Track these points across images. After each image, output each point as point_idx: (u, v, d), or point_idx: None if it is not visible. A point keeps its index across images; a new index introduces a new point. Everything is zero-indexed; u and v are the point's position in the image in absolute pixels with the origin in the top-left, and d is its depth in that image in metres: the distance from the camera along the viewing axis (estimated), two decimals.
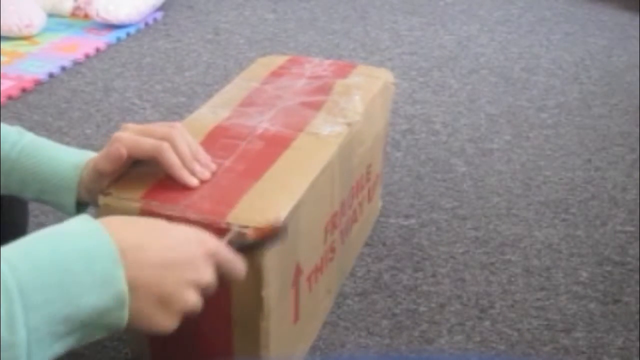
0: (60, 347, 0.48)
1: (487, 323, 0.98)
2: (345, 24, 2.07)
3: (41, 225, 1.16)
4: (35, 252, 0.49)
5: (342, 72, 1.03)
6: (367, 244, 1.13)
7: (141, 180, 0.73)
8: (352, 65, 1.06)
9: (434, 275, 1.07)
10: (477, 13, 2.19)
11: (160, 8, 2.11)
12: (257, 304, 0.72)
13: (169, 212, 0.70)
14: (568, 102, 1.62)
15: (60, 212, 0.76)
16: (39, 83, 1.66)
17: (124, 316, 0.50)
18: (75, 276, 0.48)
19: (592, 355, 0.93)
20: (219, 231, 0.66)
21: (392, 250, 1.12)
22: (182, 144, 0.73)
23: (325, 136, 0.86)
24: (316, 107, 0.92)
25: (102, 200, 0.71)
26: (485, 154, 1.40)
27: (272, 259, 0.70)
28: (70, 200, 0.75)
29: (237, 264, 0.60)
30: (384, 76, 1.05)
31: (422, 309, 1.00)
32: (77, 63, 1.78)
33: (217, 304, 0.70)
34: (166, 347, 0.80)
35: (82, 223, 0.53)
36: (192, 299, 0.55)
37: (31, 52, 1.82)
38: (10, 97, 1.58)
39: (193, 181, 0.73)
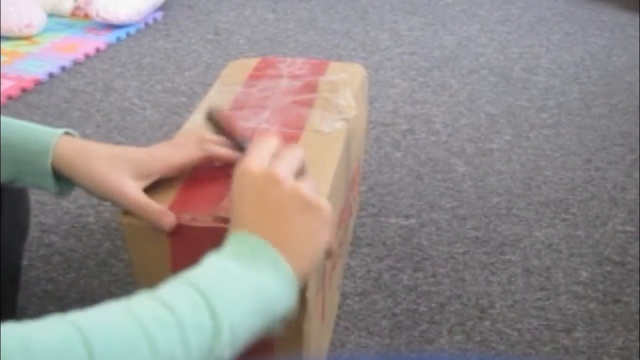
0: (252, 338, 0.53)
1: (487, 323, 0.98)
2: (345, 24, 2.07)
3: (41, 224, 1.16)
4: (208, 269, 0.53)
5: (318, 69, 1.03)
6: (367, 244, 1.13)
7: (161, 194, 0.71)
8: (325, 62, 1.06)
9: (434, 275, 1.07)
10: (477, 13, 2.19)
11: (160, 8, 2.11)
12: (301, 305, 0.70)
13: (200, 224, 0.68)
14: (568, 102, 1.62)
15: (39, 186, 0.71)
16: (39, 83, 1.66)
17: (294, 297, 0.57)
18: (248, 274, 0.53)
19: (592, 355, 0.93)
20: None
21: (392, 250, 1.12)
22: (220, 151, 0.76)
23: (328, 133, 0.86)
24: (308, 104, 0.92)
25: (124, 219, 0.69)
26: (485, 154, 1.40)
27: None
28: (45, 165, 0.68)
29: (294, 152, 0.63)
30: (359, 71, 1.06)
31: (422, 309, 1.00)
32: (77, 63, 1.78)
33: None
34: None
35: (231, 239, 0.57)
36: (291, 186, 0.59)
37: (31, 52, 1.82)
38: (10, 97, 1.58)
39: (246, 134, 0.77)
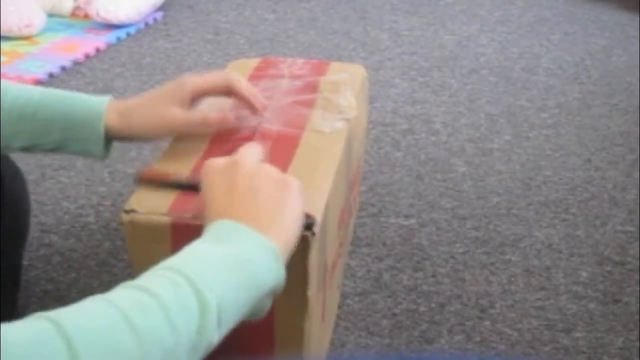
0: (240, 315, 0.53)
1: (487, 323, 0.98)
2: (345, 24, 2.07)
3: (41, 224, 1.16)
4: (187, 253, 0.53)
5: (319, 69, 1.03)
6: (367, 244, 1.13)
7: (161, 193, 0.72)
8: (326, 62, 1.06)
9: (434, 275, 1.07)
10: (477, 13, 2.19)
11: (160, 8, 2.11)
12: (302, 305, 0.71)
13: (201, 222, 0.69)
14: (568, 102, 1.62)
15: (86, 152, 0.78)
16: (39, 83, 1.66)
17: (282, 270, 0.57)
18: (230, 252, 0.54)
19: (592, 355, 0.93)
20: None
21: (392, 250, 1.12)
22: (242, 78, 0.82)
23: (329, 133, 0.86)
24: (309, 104, 0.92)
25: (125, 218, 0.69)
26: (485, 154, 1.40)
27: (314, 258, 0.69)
28: (98, 129, 0.76)
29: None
30: (360, 71, 1.06)
31: (422, 309, 1.00)
32: (77, 63, 1.78)
33: None
34: None
35: (243, 236, 0.57)
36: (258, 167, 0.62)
37: (31, 52, 1.82)
38: None
39: (265, 102, 0.84)
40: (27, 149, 0.79)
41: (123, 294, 0.47)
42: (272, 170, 0.62)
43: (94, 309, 0.45)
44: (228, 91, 0.80)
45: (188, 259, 0.52)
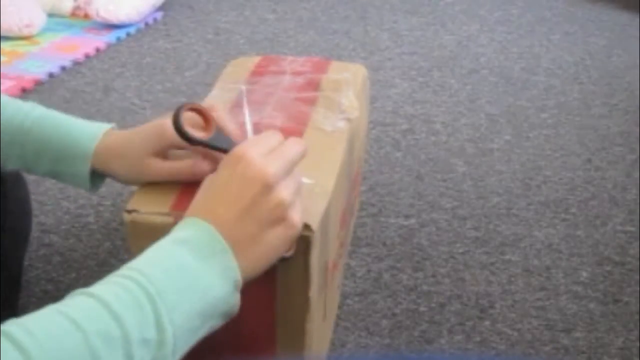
0: (194, 340, 0.53)
1: (487, 323, 0.98)
2: (345, 24, 2.07)
3: (41, 224, 1.16)
4: (162, 261, 0.53)
5: (320, 68, 1.02)
6: (367, 244, 1.13)
7: (163, 192, 0.71)
8: (327, 61, 1.06)
9: (434, 275, 1.07)
10: (477, 13, 2.19)
11: (160, 8, 2.11)
12: (303, 305, 0.71)
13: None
14: (568, 102, 1.62)
15: (73, 184, 0.76)
16: (39, 83, 1.66)
17: (238, 298, 0.57)
18: (200, 275, 0.53)
19: (592, 355, 0.93)
20: None
21: (392, 250, 1.12)
22: (231, 126, 0.75)
23: (331, 132, 0.86)
24: (311, 102, 0.92)
25: (127, 217, 0.69)
26: (485, 154, 1.40)
27: (315, 258, 0.69)
28: (84, 169, 0.74)
29: (295, 149, 0.63)
30: (361, 71, 1.05)
31: (422, 309, 1.00)
32: (77, 63, 1.78)
33: (261, 305, 0.70)
34: (208, 348, 0.79)
35: (193, 226, 0.57)
36: (275, 200, 0.59)
37: (31, 52, 1.82)
38: None
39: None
40: (22, 171, 0.79)
41: (93, 318, 0.47)
42: (289, 206, 0.60)
43: (62, 334, 0.46)
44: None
45: (162, 273, 0.52)
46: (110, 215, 1.19)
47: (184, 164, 0.71)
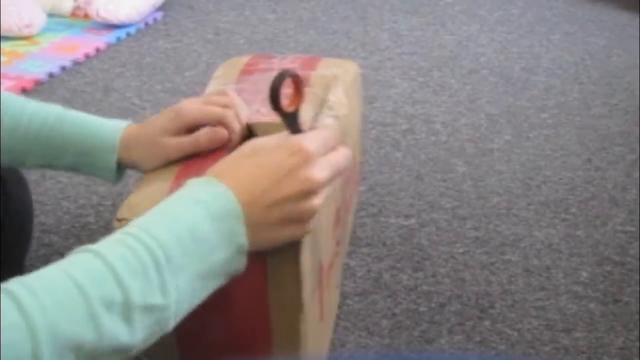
0: (196, 301, 0.54)
1: (487, 323, 0.98)
2: (345, 24, 2.07)
3: (41, 224, 1.16)
4: (174, 222, 0.53)
5: (310, 65, 1.02)
6: (367, 244, 1.13)
7: (153, 200, 0.69)
8: (317, 58, 1.05)
9: (434, 275, 1.07)
10: (477, 13, 2.19)
11: (160, 8, 2.11)
12: (297, 306, 0.70)
13: None
14: (568, 102, 1.62)
15: (98, 176, 0.79)
16: (39, 83, 1.66)
17: (244, 261, 0.57)
18: (207, 238, 0.54)
19: (592, 355, 0.93)
20: None
21: (392, 250, 1.12)
22: (243, 111, 0.78)
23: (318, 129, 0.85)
24: None
25: (117, 226, 0.69)
26: (485, 154, 1.40)
27: (306, 258, 0.69)
28: (111, 160, 0.77)
29: (345, 161, 0.64)
30: (352, 67, 1.05)
31: (422, 309, 1.00)
32: (77, 63, 1.78)
33: (255, 306, 0.70)
34: (204, 349, 0.79)
35: (206, 187, 0.57)
36: (310, 206, 0.59)
37: (31, 52, 1.82)
38: None
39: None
40: (41, 167, 0.81)
41: (99, 283, 0.48)
42: (323, 196, 0.61)
43: (67, 298, 0.46)
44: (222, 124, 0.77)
45: (173, 236, 0.52)
46: (110, 215, 1.19)
47: (202, 133, 0.74)
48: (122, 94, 1.62)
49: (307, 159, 0.59)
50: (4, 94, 0.78)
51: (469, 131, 1.49)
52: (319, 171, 0.59)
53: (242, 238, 0.56)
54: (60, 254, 1.10)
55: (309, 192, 0.59)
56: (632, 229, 1.19)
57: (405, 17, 2.13)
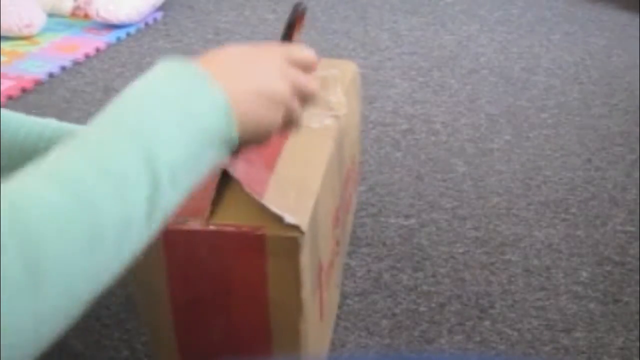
0: (198, 171, 0.53)
1: (487, 323, 0.98)
2: (345, 24, 2.07)
3: None
4: (150, 104, 0.56)
5: None
6: (367, 244, 1.13)
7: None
8: None
9: (434, 275, 1.07)
10: (477, 13, 2.19)
11: (160, 8, 2.11)
12: (296, 306, 0.70)
13: (193, 227, 0.68)
14: (568, 102, 1.62)
15: None
16: (39, 83, 1.66)
17: (234, 124, 0.56)
18: (186, 104, 0.55)
19: (592, 355, 0.93)
20: (256, 239, 0.65)
21: (392, 250, 1.12)
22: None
23: (317, 129, 0.85)
24: None
25: None
26: (485, 154, 1.40)
27: (306, 258, 0.69)
28: None
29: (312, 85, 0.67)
30: (350, 68, 1.05)
31: (422, 309, 1.00)
32: (77, 63, 1.78)
33: (254, 306, 0.70)
34: (204, 349, 0.78)
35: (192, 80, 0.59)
36: (283, 85, 0.62)
37: (31, 52, 1.82)
38: (10, 97, 1.58)
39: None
40: None
41: (90, 186, 0.46)
42: (299, 83, 0.65)
43: (58, 200, 0.44)
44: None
45: (140, 111, 0.54)
46: None
47: None
48: None
49: (281, 50, 0.65)
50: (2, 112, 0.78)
51: (469, 131, 1.49)
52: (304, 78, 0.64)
53: (224, 101, 0.56)
54: None
55: (280, 62, 0.64)
56: (632, 229, 1.19)
57: (405, 17, 2.13)
